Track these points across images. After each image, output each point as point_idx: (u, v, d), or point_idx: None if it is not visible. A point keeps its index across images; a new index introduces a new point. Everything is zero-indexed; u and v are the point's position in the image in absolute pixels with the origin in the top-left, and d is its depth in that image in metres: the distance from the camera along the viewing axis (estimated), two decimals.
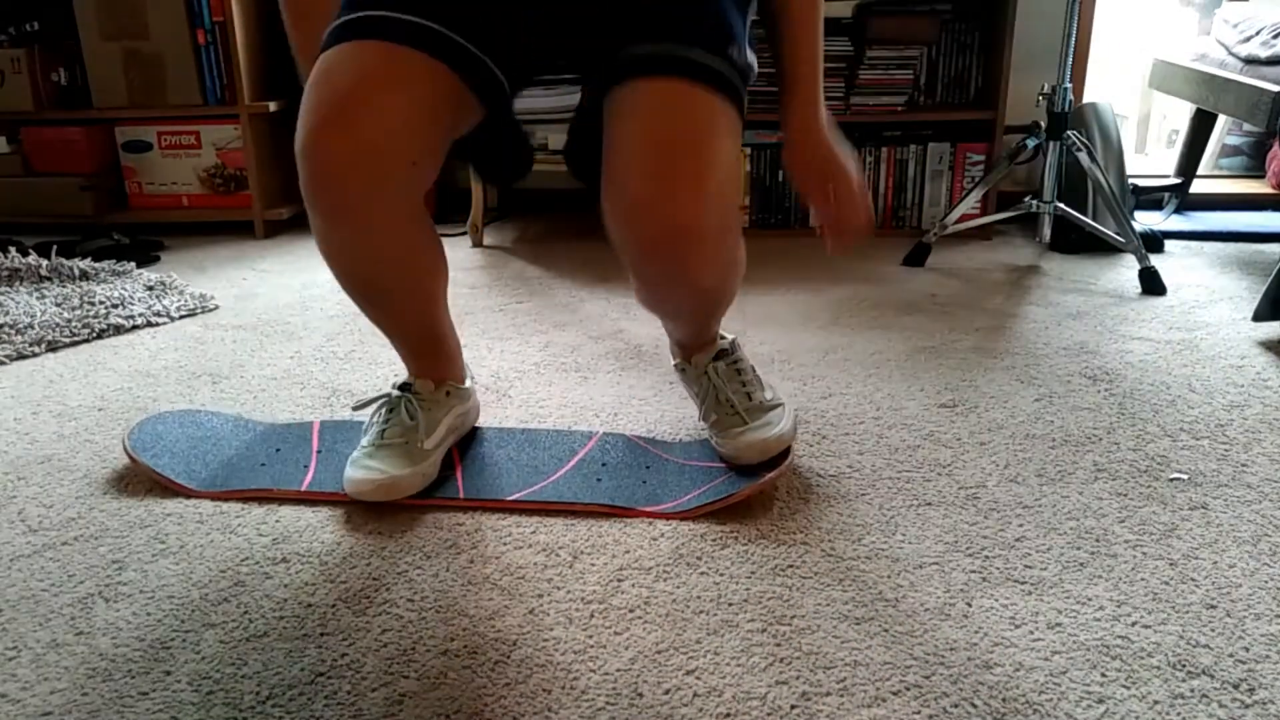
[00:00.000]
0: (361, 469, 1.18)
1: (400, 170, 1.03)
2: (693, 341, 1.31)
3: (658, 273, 1.07)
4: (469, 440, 1.34)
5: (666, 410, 1.45)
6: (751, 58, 1.12)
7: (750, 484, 1.17)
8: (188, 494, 1.22)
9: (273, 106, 2.57)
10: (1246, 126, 2.87)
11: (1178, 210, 2.64)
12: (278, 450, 1.31)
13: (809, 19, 1.14)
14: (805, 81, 1.14)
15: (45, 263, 2.15)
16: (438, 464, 1.24)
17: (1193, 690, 0.85)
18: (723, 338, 1.33)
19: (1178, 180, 2.64)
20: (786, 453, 1.23)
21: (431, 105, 1.04)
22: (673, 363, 1.37)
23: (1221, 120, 2.75)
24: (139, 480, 1.25)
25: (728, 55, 1.06)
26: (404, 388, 1.26)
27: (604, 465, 1.26)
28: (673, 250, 1.03)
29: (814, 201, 1.16)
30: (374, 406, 1.27)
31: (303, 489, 1.21)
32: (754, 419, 1.24)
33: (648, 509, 1.16)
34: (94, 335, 1.81)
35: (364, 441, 1.23)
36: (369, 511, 1.17)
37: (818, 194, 1.16)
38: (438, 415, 1.25)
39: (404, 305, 1.19)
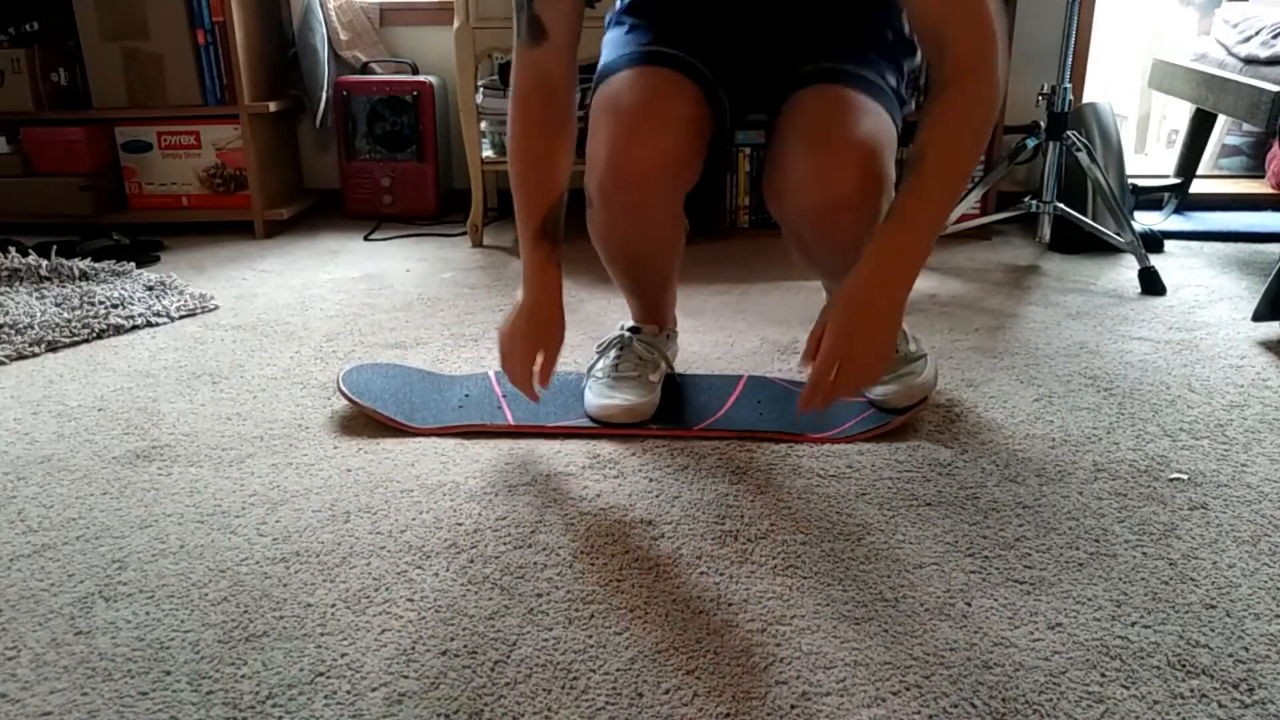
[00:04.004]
0: (604, 397, 1.39)
1: (685, 175, 1.24)
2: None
3: (813, 239, 1.25)
4: None
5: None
6: (906, 94, 1.30)
7: (899, 416, 1.36)
8: (409, 431, 1.37)
9: (273, 107, 2.57)
10: (1246, 126, 2.87)
11: (1177, 210, 2.63)
12: (467, 395, 1.47)
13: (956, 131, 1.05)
14: (905, 217, 1.06)
15: (45, 263, 2.15)
16: (659, 395, 1.43)
17: (1192, 690, 0.85)
18: None
19: (1177, 180, 2.64)
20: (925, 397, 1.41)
21: (699, 123, 1.24)
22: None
23: (1221, 120, 2.75)
24: (140, 478, 1.25)
25: (883, 75, 1.25)
26: (633, 330, 1.47)
27: (759, 402, 1.44)
28: (826, 220, 1.19)
29: (815, 361, 1.10)
30: (608, 345, 1.46)
31: (511, 424, 1.38)
32: (899, 369, 1.39)
33: (814, 435, 1.33)
34: (94, 335, 1.81)
35: (598, 374, 1.43)
36: (367, 510, 1.17)
37: (825, 360, 1.08)
38: (660, 354, 1.46)
39: (655, 273, 1.41)
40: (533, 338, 1.27)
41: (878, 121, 1.19)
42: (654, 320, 1.49)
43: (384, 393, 1.46)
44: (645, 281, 1.43)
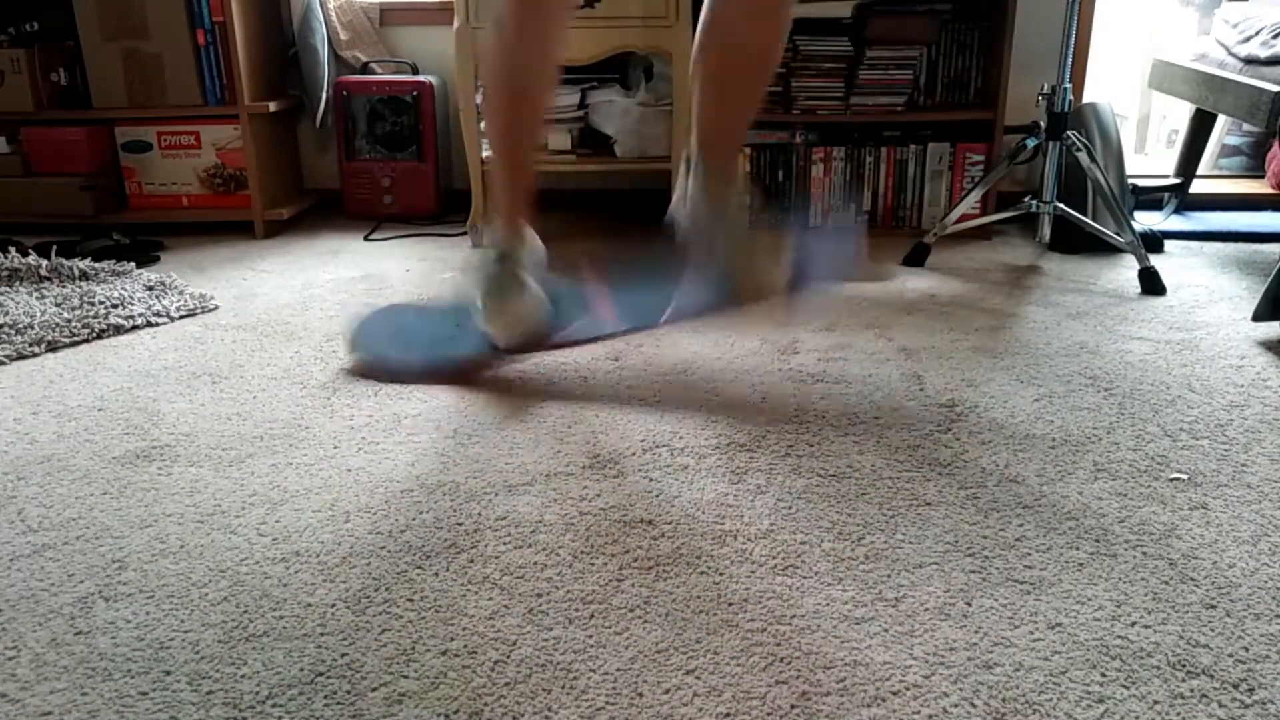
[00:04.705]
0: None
1: None
2: (726, 139, 1.61)
3: (734, 38, 1.47)
4: None
5: (666, 411, 1.45)
6: None
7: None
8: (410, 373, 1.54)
9: (273, 106, 2.57)
10: (1246, 126, 2.87)
11: (1177, 210, 2.63)
12: (458, 326, 1.65)
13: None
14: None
15: (45, 263, 2.15)
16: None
17: (1192, 690, 0.85)
18: None
19: (1177, 180, 2.64)
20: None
21: None
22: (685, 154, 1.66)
23: (1221, 120, 2.75)
24: (140, 478, 1.25)
25: None
26: (498, 252, 1.59)
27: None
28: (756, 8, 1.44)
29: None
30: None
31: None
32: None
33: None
34: (94, 335, 1.81)
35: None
36: (367, 510, 1.17)
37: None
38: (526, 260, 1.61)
39: (541, 101, 1.56)
40: None
41: None
42: (513, 211, 1.62)
43: (382, 338, 1.62)
44: (534, 110, 1.55)
